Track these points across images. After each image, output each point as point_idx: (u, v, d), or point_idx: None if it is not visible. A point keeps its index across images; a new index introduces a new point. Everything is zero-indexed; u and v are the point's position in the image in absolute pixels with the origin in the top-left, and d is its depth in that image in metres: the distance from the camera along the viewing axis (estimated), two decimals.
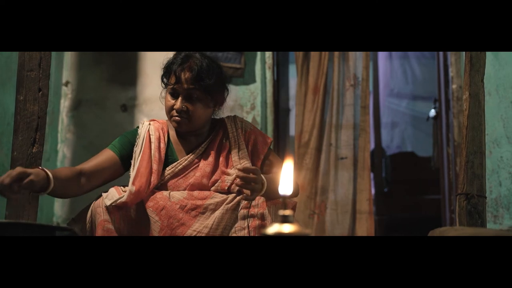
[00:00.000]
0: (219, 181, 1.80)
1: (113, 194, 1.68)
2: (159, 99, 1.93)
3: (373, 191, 4.60)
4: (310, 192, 3.07)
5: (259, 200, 1.70)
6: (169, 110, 1.83)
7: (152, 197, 1.74)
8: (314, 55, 3.18)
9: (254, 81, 3.16)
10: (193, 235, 1.68)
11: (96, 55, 3.34)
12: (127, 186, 1.72)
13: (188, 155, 1.84)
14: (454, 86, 3.01)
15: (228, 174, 1.76)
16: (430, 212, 4.35)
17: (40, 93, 1.93)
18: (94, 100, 3.33)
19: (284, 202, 0.94)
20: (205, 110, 1.84)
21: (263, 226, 1.66)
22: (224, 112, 1.97)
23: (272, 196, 1.71)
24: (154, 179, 1.77)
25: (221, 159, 1.85)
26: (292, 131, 3.34)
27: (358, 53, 3.15)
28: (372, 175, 4.48)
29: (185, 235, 1.68)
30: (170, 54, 1.91)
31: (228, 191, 1.77)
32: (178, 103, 1.79)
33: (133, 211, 1.71)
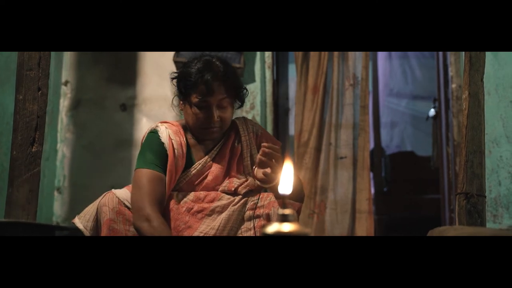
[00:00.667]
0: (227, 181, 1.79)
1: (127, 194, 1.68)
2: (160, 100, 1.91)
3: (372, 190, 4.60)
4: (310, 191, 3.07)
5: (265, 200, 1.70)
6: (202, 123, 1.75)
7: None
8: (313, 55, 3.18)
9: (253, 80, 3.16)
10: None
11: (95, 55, 3.34)
12: None
13: (202, 158, 1.80)
14: (453, 86, 3.01)
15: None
16: (430, 211, 4.35)
17: (40, 92, 1.93)
18: (94, 99, 3.33)
19: (284, 202, 0.94)
20: (232, 114, 1.82)
21: None
22: None
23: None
24: (173, 184, 1.75)
25: (232, 163, 1.83)
26: (292, 130, 3.33)
27: (357, 53, 3.15)
28: (371, 174, 4.48)
29: None
30: (170, 54, 1.90)
31: (235, 193, 1.77)
32: (215, 116, 1.73)
33: None
